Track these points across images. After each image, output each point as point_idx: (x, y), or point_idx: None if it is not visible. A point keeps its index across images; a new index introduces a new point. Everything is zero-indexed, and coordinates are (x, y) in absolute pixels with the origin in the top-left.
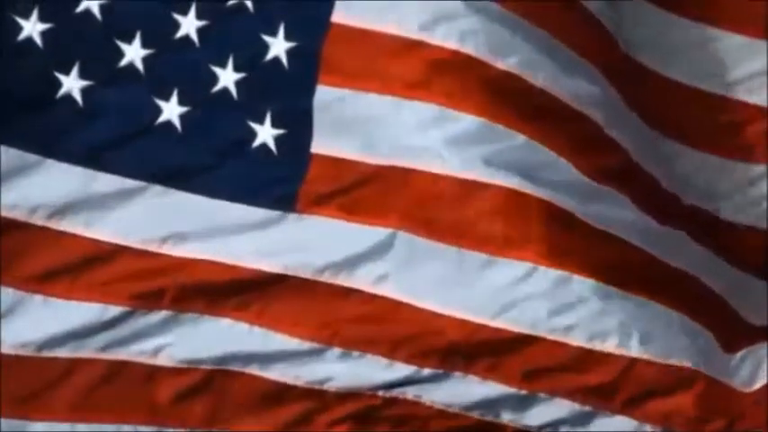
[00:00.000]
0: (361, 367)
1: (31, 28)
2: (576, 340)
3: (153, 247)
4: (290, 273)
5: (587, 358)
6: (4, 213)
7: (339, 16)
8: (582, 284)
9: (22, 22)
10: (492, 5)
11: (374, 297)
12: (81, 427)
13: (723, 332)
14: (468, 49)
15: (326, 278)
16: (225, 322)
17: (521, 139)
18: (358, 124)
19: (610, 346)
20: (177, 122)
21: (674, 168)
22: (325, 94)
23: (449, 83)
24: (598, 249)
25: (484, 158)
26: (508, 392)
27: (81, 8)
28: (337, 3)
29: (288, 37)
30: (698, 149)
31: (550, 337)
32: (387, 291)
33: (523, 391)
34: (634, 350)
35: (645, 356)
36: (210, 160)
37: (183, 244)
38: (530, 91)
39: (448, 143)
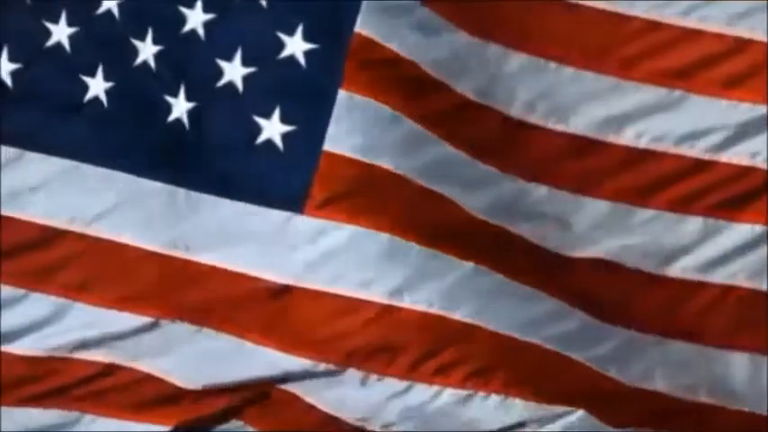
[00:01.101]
0: (380, 391)
1: (60, 32)
2: None
3: (175, 253)
4: (298, 284)
5: None
6: (44, 222)
7: (361, 27)
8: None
9: (51, 27)
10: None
11: (388, 308)
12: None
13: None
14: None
15: (337, 290)
16: (237, 342)
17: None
18: (377, 130)
19: None
20: (185, 119)
21: None
22: (345, 99)
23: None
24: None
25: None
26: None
27: (102, 9)
28: (362, 12)
29: (307, 38)
30: None
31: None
32: (402, 303)
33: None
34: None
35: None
36: (218, 157)
37: (201, 251)
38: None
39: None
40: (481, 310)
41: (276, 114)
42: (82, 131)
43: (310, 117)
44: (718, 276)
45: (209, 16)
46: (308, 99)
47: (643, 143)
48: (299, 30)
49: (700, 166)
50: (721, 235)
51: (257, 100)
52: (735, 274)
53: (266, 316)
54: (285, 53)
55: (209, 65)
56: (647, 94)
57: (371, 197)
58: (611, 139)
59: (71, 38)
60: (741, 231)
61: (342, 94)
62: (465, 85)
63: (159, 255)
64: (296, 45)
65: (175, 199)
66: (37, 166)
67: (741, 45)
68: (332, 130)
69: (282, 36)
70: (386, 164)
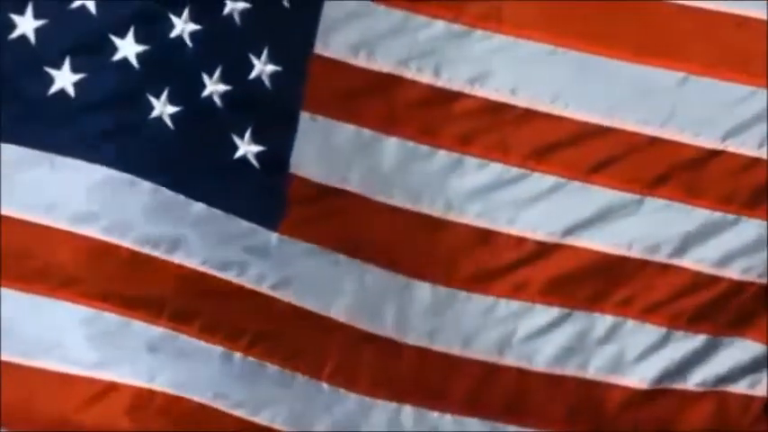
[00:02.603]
0: (348, 407)
1: (26, 25)
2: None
3: (159, 254)
4: (278, 296)
5: None
6: (18, 215)
7: (321, 48)
8: None
9: (16, 19)
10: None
11: (350, 329)
12: None
13: None
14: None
15: (309, 307)
16: (217, 351)
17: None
18: (337, 152)
19: None
20: (168, 120)
21: None
22: (306, 121)
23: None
24: None
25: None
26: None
27: (76, 4)
28: (320, 33)
29: (271, 60)
30: None
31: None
32: (361, 325)
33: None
34: None
35: None
36: (199, 165)
37: (184, 253)
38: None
39: (422, 183)
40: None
41: (248, 134)
42: (47, 122)
43: (277, 138)
44: (732, 271)
45: (196, 27)
46: (274, 120)
47: (649, 130)
48: (265, 52)
49: (707, 155)
50: (732, 229)
51: (233, 117)
52: (748, 270)
53: (251, 328)
54: (254, 74)
55: (195, 75)
56: (654, 77)
57: (340, 222)
58: (618, 124)
59: (37, 30)
60: (754, 226)
61: (304, 115)
62: (450, 77)
63: (141, 254)
64: (263, 67)
65: (156, 196)
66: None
67: (742, 23)
68: (296, 152)
69: (252, 57)
70: (347, 186)
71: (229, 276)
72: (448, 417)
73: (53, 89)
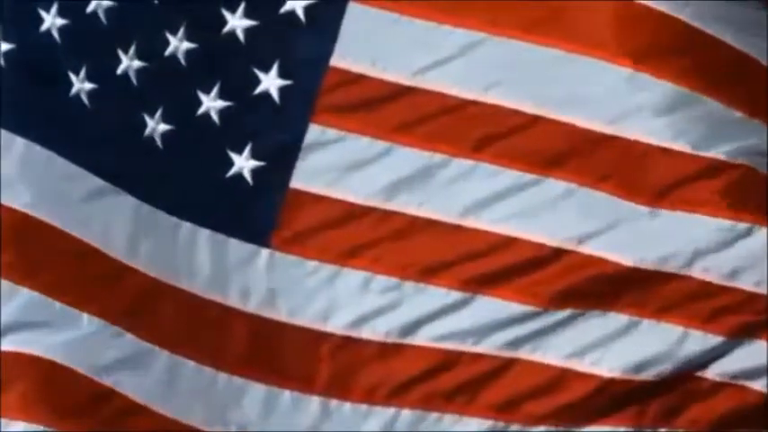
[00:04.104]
0: (341, 418)
1: (51, 21)
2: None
3: (136, 265)
4: (264, 314)
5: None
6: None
7: (338, 60)
8: None
9: (43, 13)
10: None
11: (348, 339)
12: None
13: None
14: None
15: (302, 323)
16: (208, 371)
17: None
18: (345, 166)
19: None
20: (159, 141)
21: None
22: (316, 134)
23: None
24: None
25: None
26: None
27: (91, 8)
28: (337, 47)
29: (282, 74)
30: None
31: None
32: (363, 334)
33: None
34: None
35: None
36: (187, 184)
37: (162, 269)
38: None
39: (437, 191)
40: None
41: (248, 150)
42: (62, 124)
43: (280, 153)
44: (745, 280)
45: (192, 45)
46: (279, 135)
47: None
48: (275, 66)
49: (711, 168)
50: (745, 239)
51: (231, 134)
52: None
53: (236, 347)
54: (260, 89)
55: (189, 93)
56: (662, 89)
57: (340, 235)
58: (626, 133)
59: (60, 29)
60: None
61: (312, 128)
62: (465, 85)
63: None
64: (271, 81)
65: (139, 212)
66: (22, 153)
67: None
68: (300, 166)
69: (259, 72)
70: (353, 198)
71: (215, 297)
72: (447, 417)
73: (72, 92)
